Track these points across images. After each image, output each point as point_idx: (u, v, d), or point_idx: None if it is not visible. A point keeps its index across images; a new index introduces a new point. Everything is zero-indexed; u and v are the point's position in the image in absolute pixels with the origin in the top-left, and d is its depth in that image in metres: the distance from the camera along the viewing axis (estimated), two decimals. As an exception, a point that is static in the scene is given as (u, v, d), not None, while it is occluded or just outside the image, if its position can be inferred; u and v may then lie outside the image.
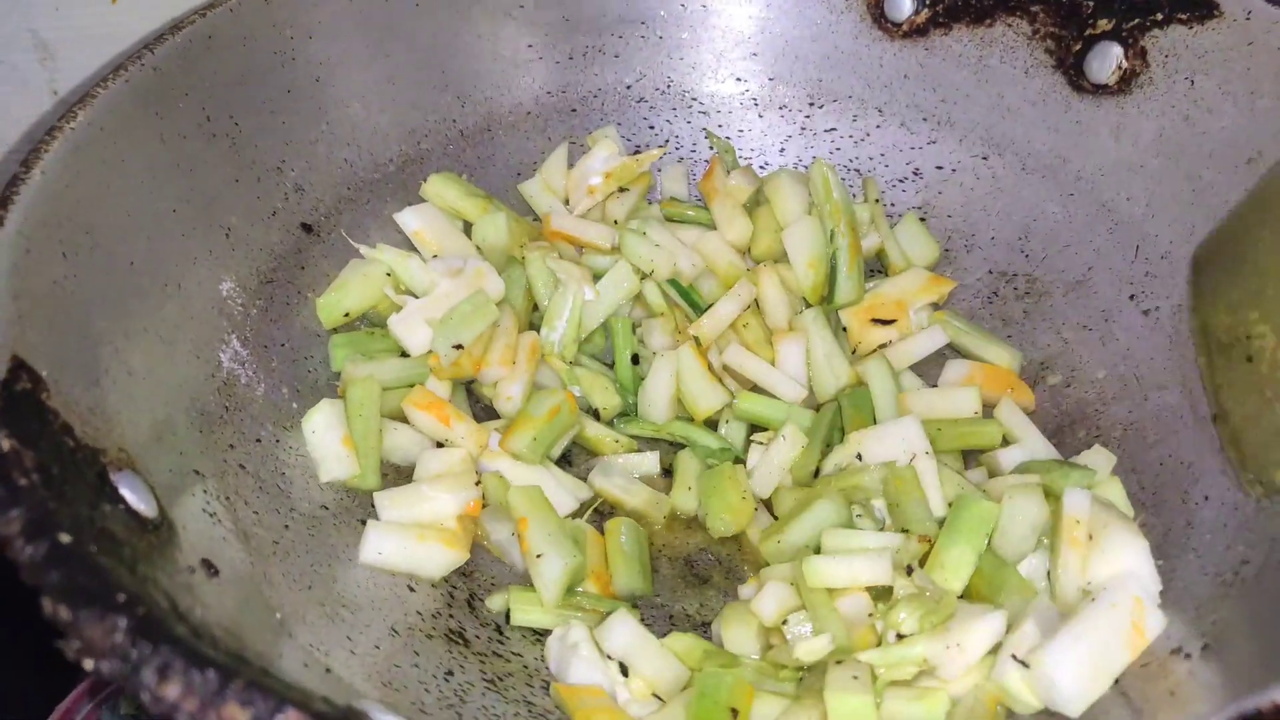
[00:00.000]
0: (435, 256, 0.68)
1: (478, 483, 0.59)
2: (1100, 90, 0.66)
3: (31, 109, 0.88)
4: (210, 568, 0.44)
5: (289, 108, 0.65)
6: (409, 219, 0.69)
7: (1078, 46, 0.67)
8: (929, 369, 0.69)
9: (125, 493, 0.42)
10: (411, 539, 0.56)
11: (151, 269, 0.54)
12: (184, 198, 0.57)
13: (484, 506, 0.59)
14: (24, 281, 0.44)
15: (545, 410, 0.61)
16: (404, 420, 0.63)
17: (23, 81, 0.87)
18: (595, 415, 0.67)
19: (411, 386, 0.63)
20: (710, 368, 0.66)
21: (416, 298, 0.65)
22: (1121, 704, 0.45)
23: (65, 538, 0.33)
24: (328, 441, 0.59)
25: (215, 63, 0.61)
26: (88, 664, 0.30)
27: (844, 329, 0.70)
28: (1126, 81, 0.64)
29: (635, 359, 0.67)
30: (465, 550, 0.57)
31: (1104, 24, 0.65)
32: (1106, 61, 0.65)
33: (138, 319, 0.52)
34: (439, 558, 0.56)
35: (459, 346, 0.63)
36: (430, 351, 0.64)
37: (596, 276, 0.67)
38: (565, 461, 0.66)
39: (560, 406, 0.62)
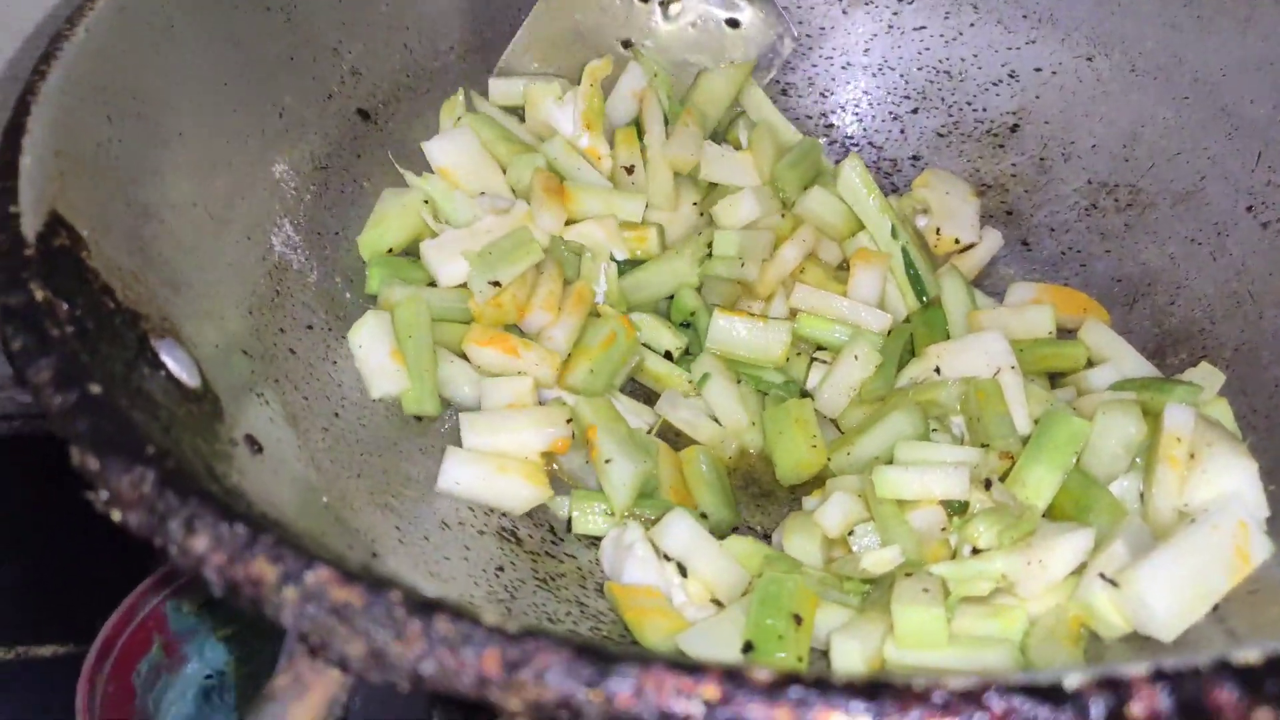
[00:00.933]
0: (482, 194, 0.63)
1: (569, 421, 0.55)
2: (1227, -22, 0.60)
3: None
4: (254, 444, 0.43)
5: (347, -15, 0.62)
6: (437, 151, 0.62)
7: (1205, -69, 0.60)
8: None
9: (166, 359, 0.40)
10: (492, 470, 0.52)
11: (201, 142, 0.52)
12: (236, 72, 0.55)
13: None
14: (66, 139, 0.42)
15: (600, 339, 0.57)
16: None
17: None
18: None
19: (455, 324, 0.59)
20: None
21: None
22: (1220, 631, 0.41)
23: (96, 388, 0.31)
24: (376, 356, 0.55)
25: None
26: (115, 515, 0.29)
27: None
28: (1260, -33, 0.58)
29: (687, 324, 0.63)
30: (547, 487, 0.54)
31: (1239, -98, 0.58)
32: (1238, -53, 0.59)
33: (186, 192, 0.50)
34: (522, 492, 0.53)
35: (496, 284, 0.58)
36: (464, 285, 0.59)
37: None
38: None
39: (615, 334, 0.58)
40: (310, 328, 0.55)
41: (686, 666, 0.23)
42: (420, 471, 0.54)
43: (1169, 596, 0.41)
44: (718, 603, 0.48)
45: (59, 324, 0.34)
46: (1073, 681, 0.22)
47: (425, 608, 0.25)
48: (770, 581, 0.45)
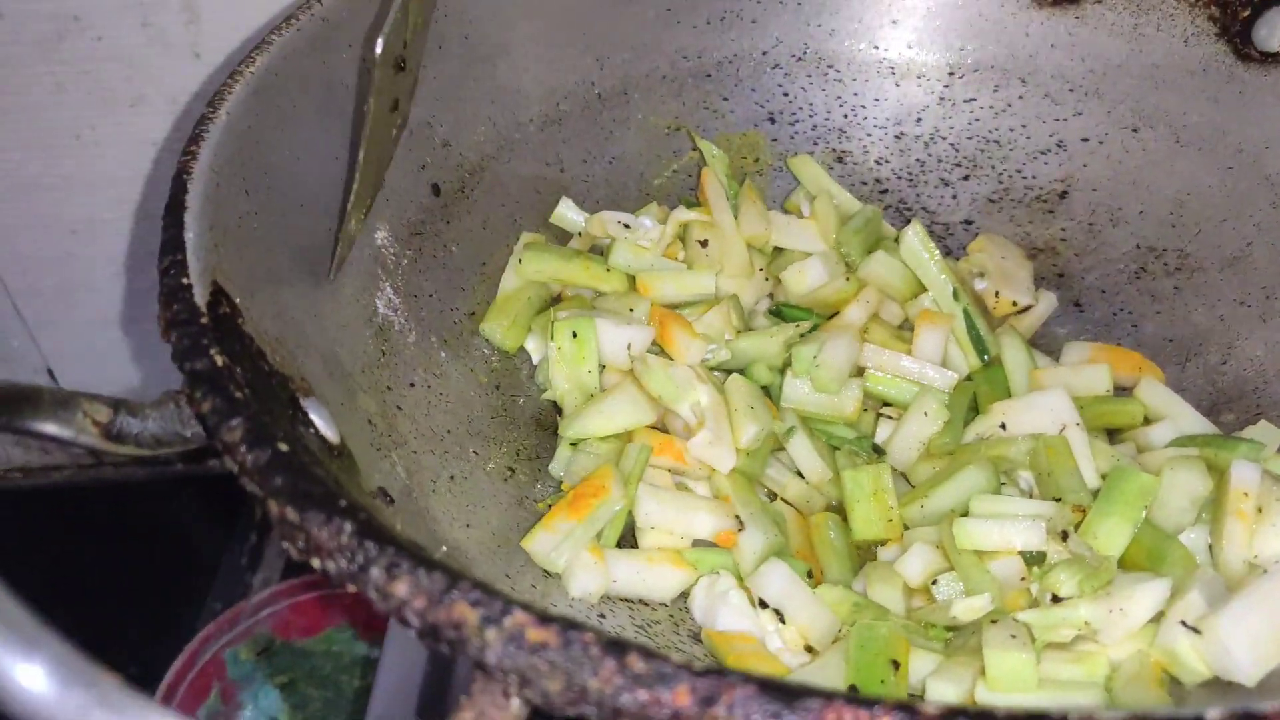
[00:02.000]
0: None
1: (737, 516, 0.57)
2: (1269, 59, 0.64)
3: (173, 71, 0.91)
4: (386, 496, 0.46)
5: (439, 63, 0.66)
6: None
7: (1245, 13, 0.64)
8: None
9: (314, 417, 0.43)
10: (643, 564, 0.54)
11: (318, 212, 0.56)
12: (345, 145, 0.59)
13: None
14: (216, 214, 0.46)
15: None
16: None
17: (168, 44, 0.90)
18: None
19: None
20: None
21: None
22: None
23: (284, 446, 0.34)
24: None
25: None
26: (314, 563, 0.32)
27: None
28: (1300, 49, 0.62)
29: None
30: (693, 570, 0.55)
31: (1278, -12, 0.63)
32: (1278, 28, 0.62)
33: (308, 258, 0.53)
34: (671, 581, 0.54)
35: None
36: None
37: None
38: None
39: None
40: (412, 385, 0.58)
41: (862, 701, 0.26)
42: (518, 517, 0.56)
43: (1249, 642, 0.43)
44: (810, 649, 0.51)
45: (240, 387, 0.37)
46: (1214, 714, 0.25)
47: (618, 647, 0.28)
48: (866, 628, 0.47)
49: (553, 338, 0.60)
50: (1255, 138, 0.65)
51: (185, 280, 0.40)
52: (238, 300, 0.44)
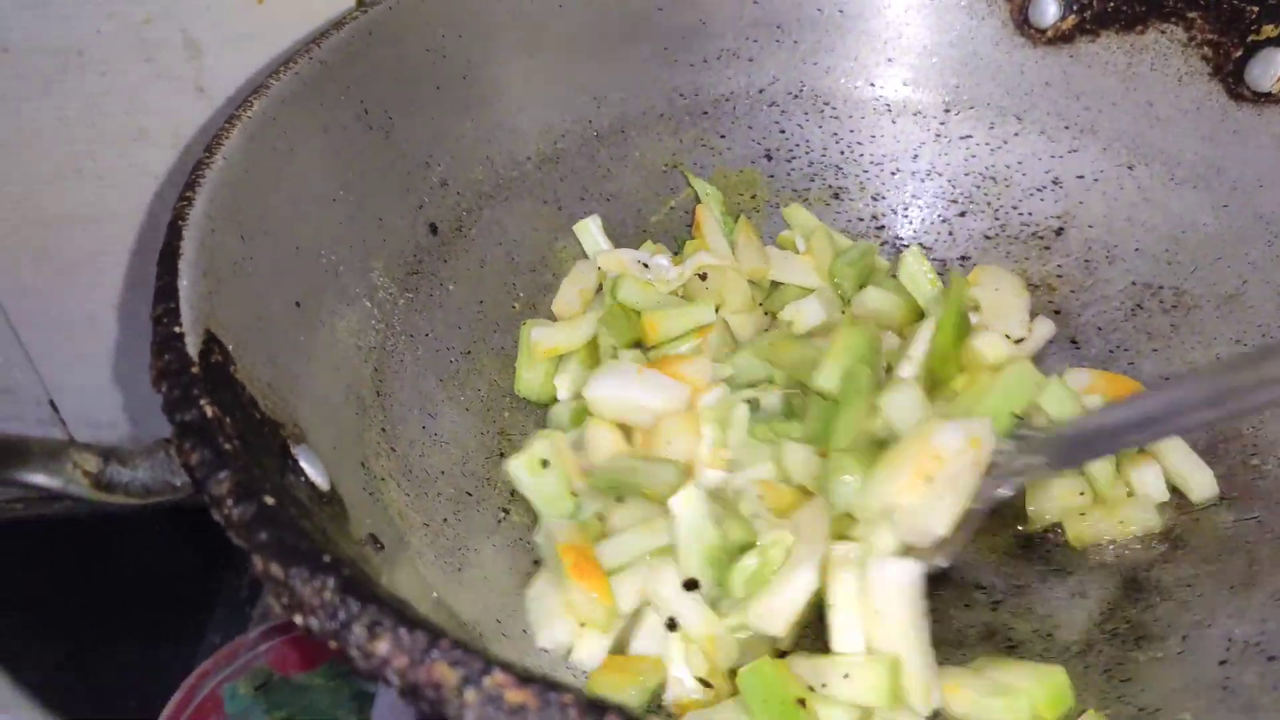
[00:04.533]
0: None
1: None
2: (1262, 99, 0.64)
3: (176, 106, 0.92)
4: (376, 542, 0.46)
5: (437, 104, 0.67)
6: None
7: (1238, 53, 0.65)
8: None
9: (305, 465, 0.43)
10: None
11: (314, 255, 0.56)
12: (343, 187, 0.59)
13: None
14: (210, 260, 0.46)
15: None
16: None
17: (171, 78, 0.91)
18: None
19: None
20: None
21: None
22: None
23: (270, 500, 0.34)
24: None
25: (373, 58, 0.63)
26: (297, 619, 0.32)
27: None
28: (1292, 89, 0.62)
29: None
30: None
31: (1270, 30, 0.63)
32: (1271, 69, 0.63)
33: (302, 302, 0.54)
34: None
35: None
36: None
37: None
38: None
39: None
40: (407, 425, 0.58)
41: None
42: (509, 564, 0.56)
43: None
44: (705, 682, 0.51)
45: (229, 438, 0.37)
46: None
47: (597, 708, 0.28)
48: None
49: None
50: (1249, 176, 0.65)
51: (178, 329, 0.41)
52: (230, 347, 0.44)
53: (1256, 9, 0.64)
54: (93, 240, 0.94)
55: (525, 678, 0.29)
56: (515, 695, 0.28)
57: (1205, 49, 0.67)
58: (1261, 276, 0.64)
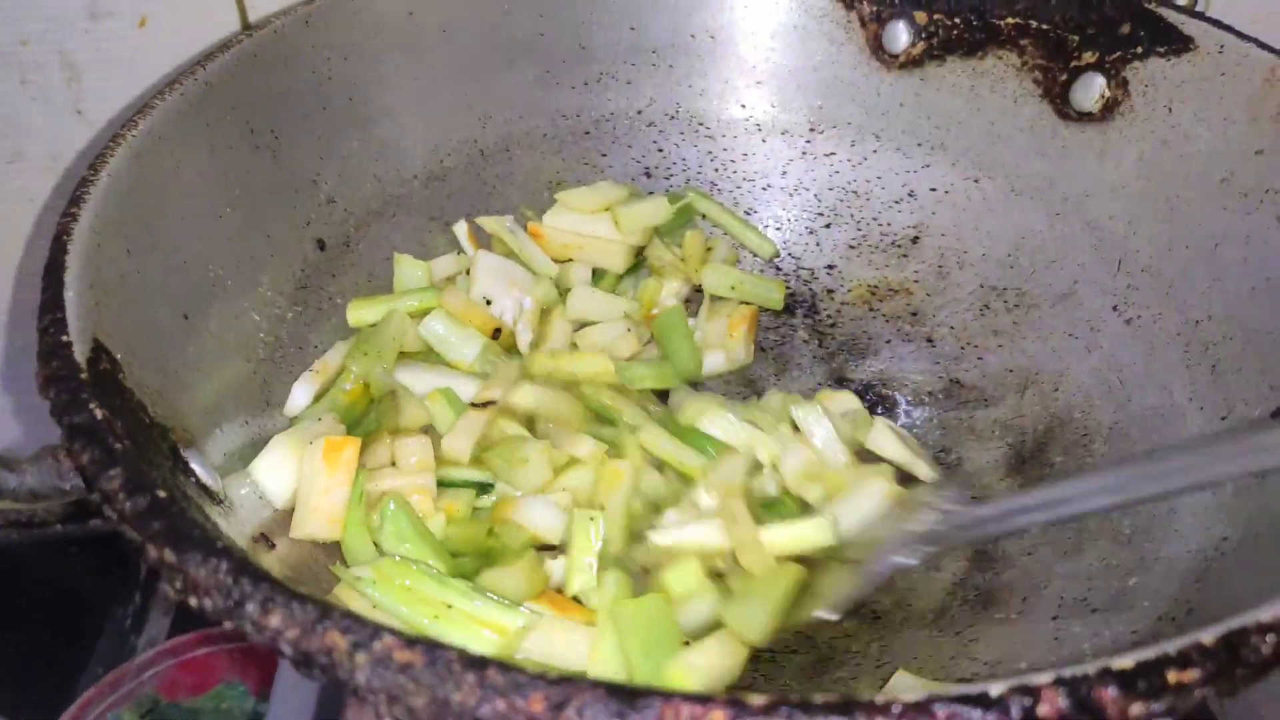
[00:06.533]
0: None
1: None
2: (1085, 118, 0.71)
3: (54, 128, 0.91)
4: (268, 541, 0.47)
5: (324, 124, 0.69)
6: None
7: (1064, 77, 0.72)
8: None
9: (195, 467, 0.45)
10: None
11: (201, 269, 0.57)
12: (230, 204, 0.61)
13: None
14: (96, 273, 0.47)
15: None
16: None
17: (48, 100, 0.90)
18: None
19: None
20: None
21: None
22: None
23: (162, 493, 0.36)
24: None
25: (259, 79, 0.64)
26: (192, 601, 0.33)
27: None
28: (1109, 109, 0.69)
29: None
30: None
31: (1089, 56, 0.70)
32: (1091, 91, 0.70)
33: (190, 314, 0.55)
34: None
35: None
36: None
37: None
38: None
39: None
40: (298, 434, 0.60)
41: (698, 698, 0.29)
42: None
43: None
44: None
45: (119, 438, 0.38)
46: (996, 690, 0.29)
47: (478, 663, 0.30)
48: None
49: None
50: (1077, 188, 0.72)
51: (65, 338, 0.42)
52: (119, 356, 0.45)
53: (1077, 38, 0.71)
54: (-33, 263, 0.92)
55: (412, 640, 0.31)
56: (403, 655, 0.31)
57: (1036, 73, 0.74)
58: (1089, 276, 0.70)
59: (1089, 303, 0.69)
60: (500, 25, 0.77)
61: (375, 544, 0.52)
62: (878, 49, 0.79)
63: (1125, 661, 0.30)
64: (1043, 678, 0.29)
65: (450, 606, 0.49)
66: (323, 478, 0.52)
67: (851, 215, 0.81)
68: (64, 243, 0.46)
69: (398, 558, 0.50)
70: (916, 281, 0.78)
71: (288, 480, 0.52)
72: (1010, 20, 0.74)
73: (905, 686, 0.52)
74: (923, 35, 0.78)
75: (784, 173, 0.83)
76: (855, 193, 0.82)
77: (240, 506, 0.48)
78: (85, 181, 0.50)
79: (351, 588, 0.49)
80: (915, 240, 0.79)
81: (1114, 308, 0.68)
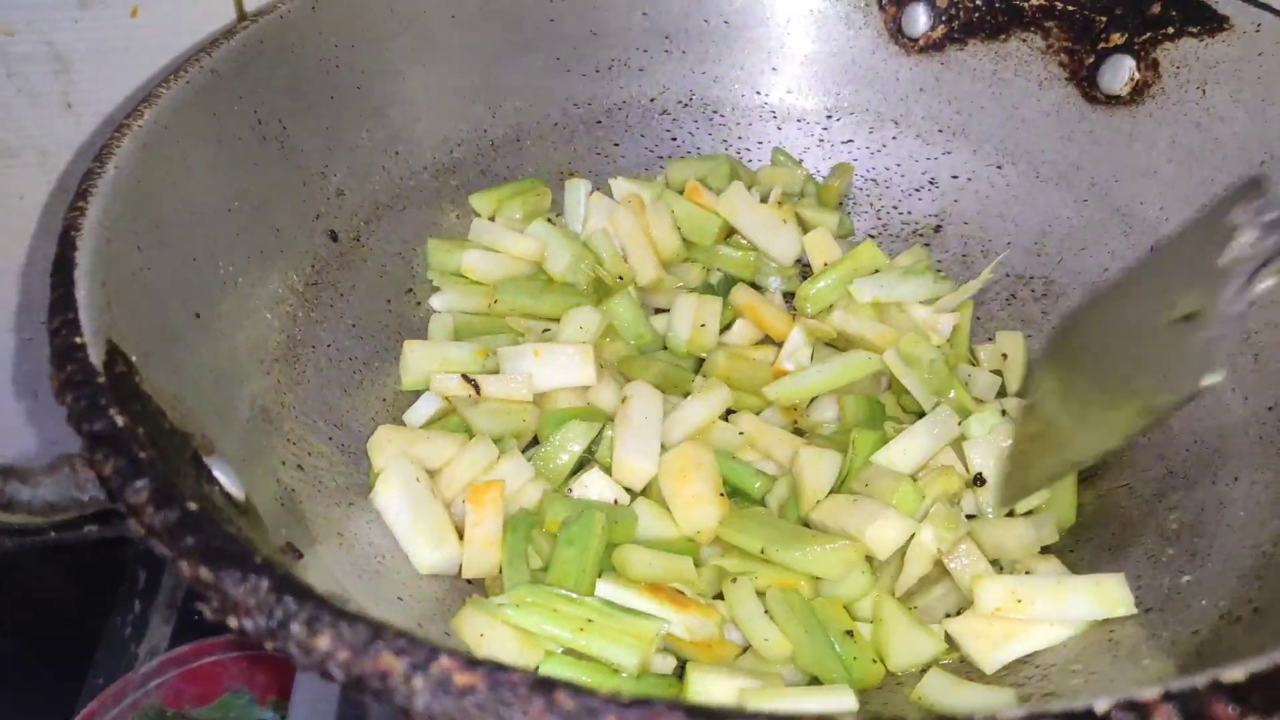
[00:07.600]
0: None
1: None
2: (1113, 101, 0.69)
3: (43, 122, 0.88)
4: (295, 550, 0.45)
5: (332, 114, 0.66)
6: None
7: (1090, 60, 0.70)
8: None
9: (219, 474, 0.42)
10: None
11: (211, 265, 0.55)
12: (238, 197, 0.58)
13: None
14: (107, 270, 0.45)
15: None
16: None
17: (35, 93, 0.87)
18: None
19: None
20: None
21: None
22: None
23: (193, 505, 0.34)
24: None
25: (266, 68, 0.62)
26: (231, 622, 0.31)
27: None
28: (1139, 92, 0.68)
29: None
30: None
31: (1116, 38, 0.68)
32: (1119, 73, 0.68)
33: (202, 313, 0.52)
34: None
35: None
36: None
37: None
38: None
39: None
40: (312, 437, 0.57)
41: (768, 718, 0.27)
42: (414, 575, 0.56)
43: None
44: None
45: (144, 447, 0.36)
46: (1102, 705, 0.27)
47: (545, 685, 0.28)
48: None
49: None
50: (1105, 173, 0.70)
51: (78, 340, 0.39)
52: (134, 358, 0.43)
53: (1105, 19, 0.69)
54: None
55: (472, 661, 0.29)
56: (464, 678, 0.29)
57: (1062, 55, 0.72)
58: (1120, 264, 0.69)
59: (1121, 291, 0.68)
60: (510, 11, 0.75)
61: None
62: (896, 33, 0.77)
63: (1235, 673, 0.28)
64: (1150, 692, 0.27)
65: (590, 621, 0.51)
66: (472, 515, 0.57)
67: (871, 204, 0.80)
68: (72, 239, 0.44)
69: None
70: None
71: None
72: (1034, 1, 0.72)
73: (937, 685, 0.51)
74: (943, 18, 0.76)
75: (800, 160, 0.81)
76: (874, 180, 0.80)
77: (266, 515, 0.46)
78: (91, 174, 0.48)
79: (486, 614, 0.52)
80: (937, 229, 0.77)
81: (1147, 296, 0.67)
